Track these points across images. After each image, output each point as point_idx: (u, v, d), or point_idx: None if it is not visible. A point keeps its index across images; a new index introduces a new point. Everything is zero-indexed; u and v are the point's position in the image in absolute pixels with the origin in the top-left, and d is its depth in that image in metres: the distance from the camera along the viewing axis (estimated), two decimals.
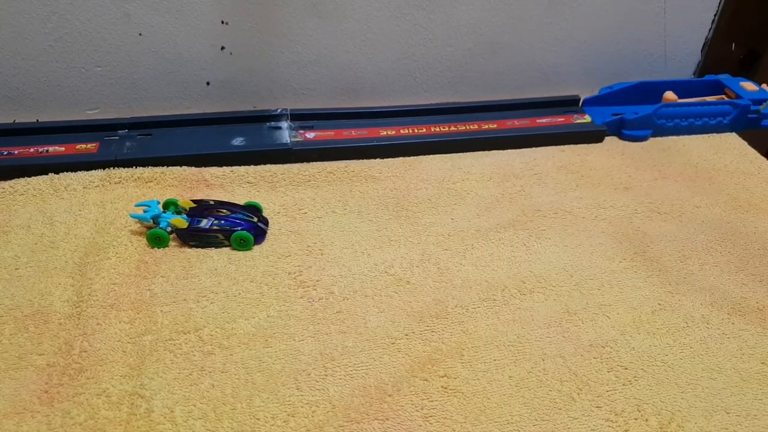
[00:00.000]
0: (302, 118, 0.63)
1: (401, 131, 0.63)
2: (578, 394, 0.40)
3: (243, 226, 0.49)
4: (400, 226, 0.53)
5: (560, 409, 0.39)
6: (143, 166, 0.56)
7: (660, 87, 0.70)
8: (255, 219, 0.50)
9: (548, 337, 0.44)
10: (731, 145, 0.67)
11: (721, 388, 0.41)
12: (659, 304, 0.47)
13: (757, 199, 0.59)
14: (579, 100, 0.69)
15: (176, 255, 0.48)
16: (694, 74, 0.77)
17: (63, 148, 0.57)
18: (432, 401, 0.39)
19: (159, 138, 0.59)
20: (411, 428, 0.37)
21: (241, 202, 0.52)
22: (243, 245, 0.49)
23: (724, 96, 0.71)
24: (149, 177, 0.55)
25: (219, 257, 0.48)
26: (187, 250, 0.49)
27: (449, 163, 0.61)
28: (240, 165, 0.58)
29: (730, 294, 0.48)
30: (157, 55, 0.61)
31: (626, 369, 0.42)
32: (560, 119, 0.67)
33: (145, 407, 0.37)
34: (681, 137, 0.67)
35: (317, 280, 0.47)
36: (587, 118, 0.67)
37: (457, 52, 0.68)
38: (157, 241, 0.49)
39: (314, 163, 0.59)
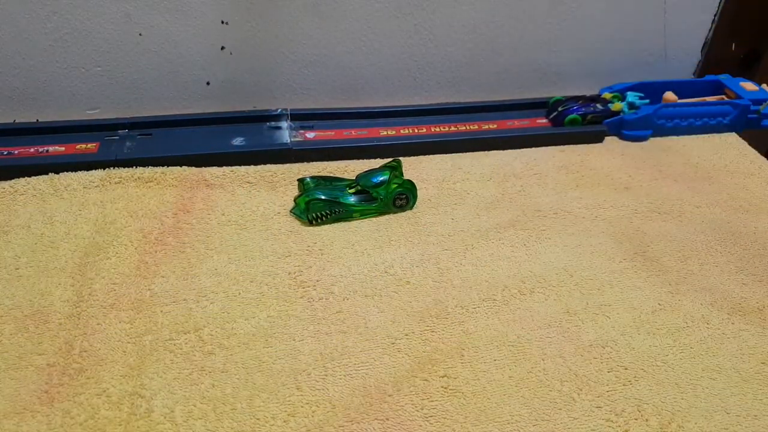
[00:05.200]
0: (302, 118, 0.63)
1: (401, 131, 0.63)
2: (578, 394, 0.40)
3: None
4: (400, 226, 0.53)
5: (560, 409, 0.39)
6: (143, 166, 0.56)
7: (660, 87, 0.70)
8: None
9: (548, 337, 0.44)
10: (731, 145, 0.67)
11: (721, 388, 0.41)
12: (659, 304, 0.47)
13: (757, 199, 0.59)
14: None
15: (176, 255, 0.48)
16: (694, 74, 0.77)
17: (63, 148, 0.57)
18: (432, 401, 0.39)
19: (159, 138, 0.59)
20: (411, 428, 0.37)
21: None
22: None
23: (724, 96, 0.71)
24: (149, 177, 0.55)
25: (219, 257, 0.48)
26: (187, 250, 0.49)
27: (449, 163, 0.61)
28: (240, 165, 0.58)
29: (730, 294, 0.48)
30: (157, 55, 0.61)
31: (626, 369, 0.42)
32: None
33: (145, 407, 0.37)
34: (681, 137, 0.67)
35: (317, 280, 0.47)
36: None
37: (457, 52, 0.68)
38: None
39: (314, 163, 0.59)
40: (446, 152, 0.62)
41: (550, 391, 0.40)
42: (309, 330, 0.43)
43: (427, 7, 0.64)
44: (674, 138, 0.67)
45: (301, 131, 0.62)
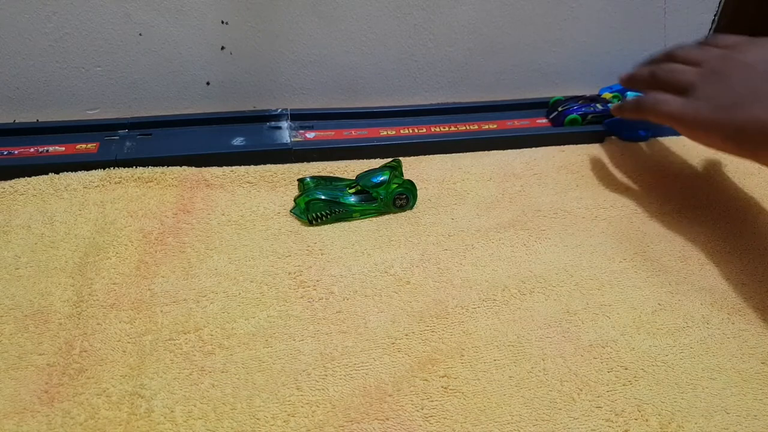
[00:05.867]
0: (302, 117, 0.63)
1: (401, 131, 0.63)
2: (578, 394, 0.40)
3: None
4: (400, 226, 0.53)
5: (560, 409, 0.39)
6: (143, 166, 0.56)
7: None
8: None
9: (548, 337, 0.44)
10: None
11: (721, 388, 0.41)
12: (659, 304, 0.47)
13: (757, 199, 0.59)
14: None
15: (176, 255, 0.48)
16: None
17: (63, 148, 0.57)
18: (432, 401, 0.39)
19: (159, 138, 0.59)
20: (411, 428, 0.37)
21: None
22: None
23: None
24: (149, 177, 0.55)
25: (219, 257, 0.48)
26: (187, 250, 0.49)
27: (449, 163, 0.61)
28: (240, 165, 0.58)
29: (730, 294, 0.48)
30: (157, 55, 0.61)
31: (626, 369, 0.42)
32: None
33: (145, 407, 0.37)
34: (681, 137, 0.67)
35: (317, 280, 0.47)
36: None
37: (457, 52, 0.68)
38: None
39: (314, 162, 0.59)
40: (446, 152, 0.62)
41: (550, 391, 0.40)
42: (309, 330, 0.43)
43: (427, 7, 0.64)
44: (674, 138, 0.67)
45: (301, 131, 0.62)
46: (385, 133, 0.63)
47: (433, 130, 0.64)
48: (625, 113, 0.56)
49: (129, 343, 0.41)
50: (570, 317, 0.45)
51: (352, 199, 0.53)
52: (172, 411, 0.37)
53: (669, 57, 0.54)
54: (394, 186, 0.53)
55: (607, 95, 0.68)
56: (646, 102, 0.52)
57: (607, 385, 0.41)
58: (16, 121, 0.61)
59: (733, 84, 0.46)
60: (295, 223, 0.52)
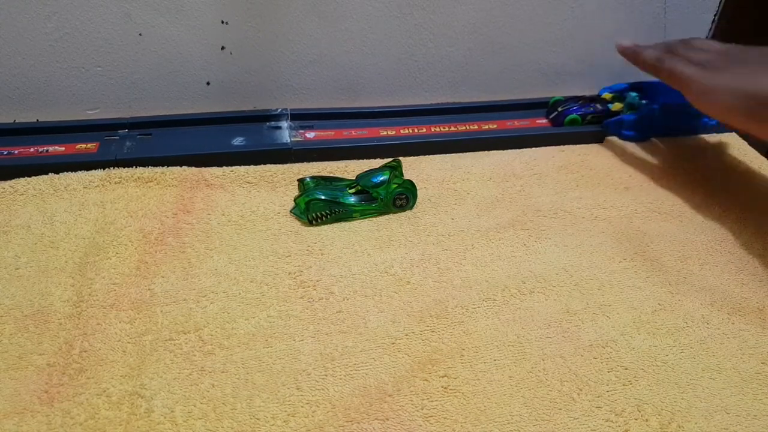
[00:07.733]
0: (302, 117, 0.63)
1: (401, 131, 0.63)
2: (578, 394, 0.40)
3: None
4: (400, 226, 0.53)
5: (560, 409, 0.39)
6: (143, 166, 0.56)
7: (660, 87, 0.69)
8: None
9: (548, 337, 0.44)
10: (731, 145, 0.67)
11: (721, 388, 0.41)
12: (659, 304, 0.47)
13: (757, 199, 0.59)
14: None
15: (176, 255, 0.48)
16: None
17: (63, 148, 0.57)
18: (432, 401, 0.39)
19: (159, 138, 0.59)
20: (411, 428, 0.37)
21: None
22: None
23: None
24: (149, 177, 0.55)
25: (219, 257, 0.48)
26: (187, 250, 0.49)
27: (449, 163, 0.61)
28: (240, 165, 0.58)
29: (730, 294, 0.48)
30: (157, 55, 0.61)
31: (626, 369, 0.42)
32: None
33: (145, 407, 0.37)
34: (680, 138, 0.67)
35: (317, 280, 0.47)
36: None
37: (457, 52, 0.68)
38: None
39: (314, 162, 0.59)
40: (446, 152, 0.62)
41: (550, 391, 0.40)
42: (309, 330, 0.43)
43: (427, 7, 0.64)
44: (674, 138, 0.67)
45: (301, 131, 0.62)
46: (385, 133, 0.63)
47: (433, 130, 0.64)
48: (641, 62, 0.57)
49: (129, 343, 0.41)
50: (570, 317, 0.45)
51: (352, 199, 0.53)
52: (172, 411, 0.37)
53: (684, 42, 0.56)
54: (394, 186, 0.53)
55: (607, 95, 0.68)
56: (665, 60, 0.54)
57: (607, 385, 0.41)
58: (16, 121, 0.61)
59: (748, 60, 0.49)
60: (295, 223, 0.52)
